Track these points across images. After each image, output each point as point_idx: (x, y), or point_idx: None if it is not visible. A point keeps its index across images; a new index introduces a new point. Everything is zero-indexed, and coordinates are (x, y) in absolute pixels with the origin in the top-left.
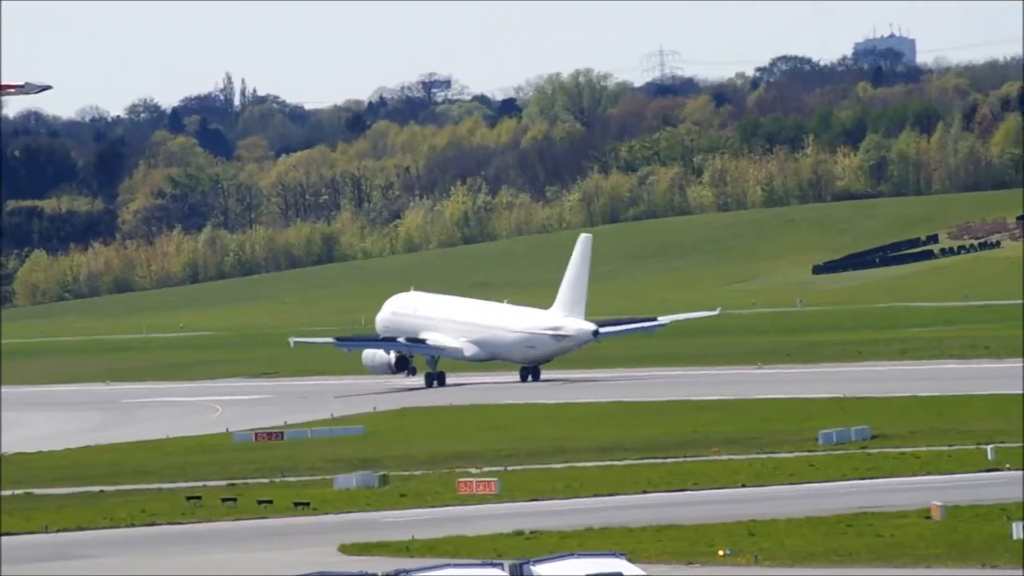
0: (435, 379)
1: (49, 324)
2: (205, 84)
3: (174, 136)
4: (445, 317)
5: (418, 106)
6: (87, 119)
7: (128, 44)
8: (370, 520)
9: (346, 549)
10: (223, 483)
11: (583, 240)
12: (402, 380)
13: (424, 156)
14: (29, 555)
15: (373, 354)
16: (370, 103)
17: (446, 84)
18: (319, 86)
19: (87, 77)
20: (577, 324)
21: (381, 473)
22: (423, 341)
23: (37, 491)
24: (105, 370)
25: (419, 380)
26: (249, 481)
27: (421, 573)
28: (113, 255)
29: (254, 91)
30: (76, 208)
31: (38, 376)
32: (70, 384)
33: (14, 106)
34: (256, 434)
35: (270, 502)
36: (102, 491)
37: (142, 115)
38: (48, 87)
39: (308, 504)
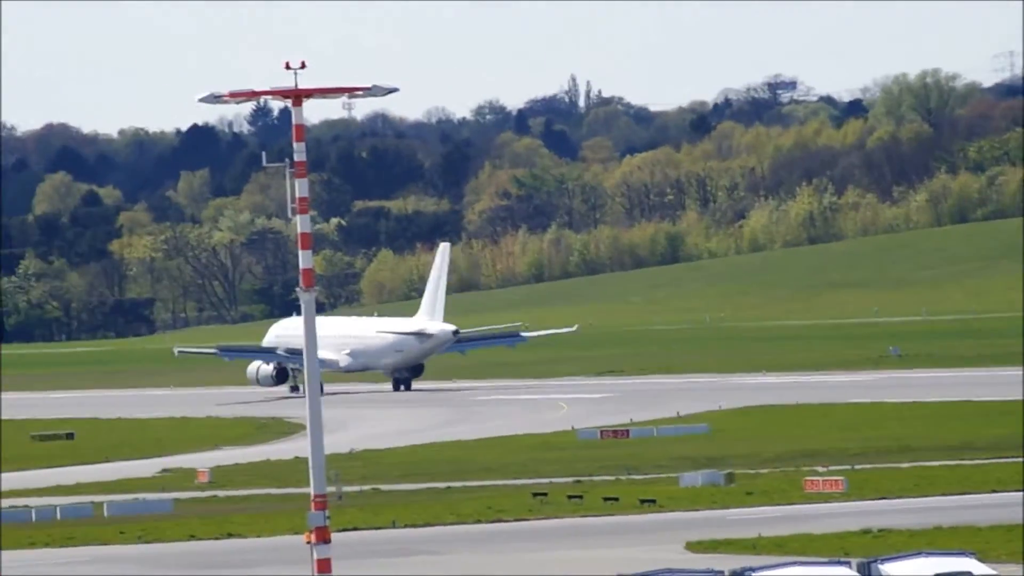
0: None
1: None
2: (550, 86)
3: (519, 137)
4: (323, 334)
5: (763, 107)
6: (433, 120)
7: (475, 46)
8: (716, 518)
9: (692, 547)
10: (569, 480)
11: (442, 249)
12: (283, 391)
13: (769, 157)
14: (377, 550)
15: (256, 367)
16: (715, 104)
17: (791, 85)
18: (664, 88)
19: (434, 79)
20: (438, 326)
21: (727, 471)
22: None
23: (384, 487)
24: (453, 367)
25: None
26: (595, 478)
27: (767, 571)
28: (459, 254)
29: (599, 93)
30: (422, 208)
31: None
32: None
33: (362, 108)
34: (601, 432)
35: (616, 499)
36: (448, 487)
37: (488, 117)
38: (395, 89)
39: (654, 501)
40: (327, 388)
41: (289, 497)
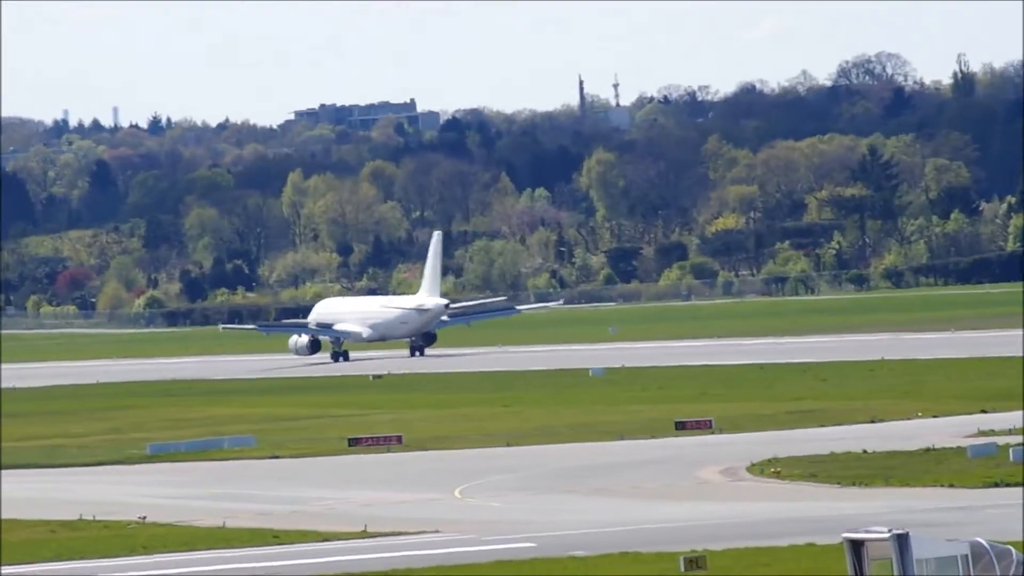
0: (340, 356)
1: None
2: None
3: None
4: (351, 310)
5: None
6: None
7: None
8: None
9: None
10: None
11: (435, 237)
12: (318, 359)
13: None
14: None
15: (295, 340)
16: None
17: None
18: None
19: None
20: (434, 300)
21: None
22: (330, 327)
23: None
24: None
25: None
26: None
27: None
28: None
29: None
30: None
31: None
32: None
33: None
34: None
35: None
36: None
37: None
38: None
39: None
40: (354, 356)
41: None
